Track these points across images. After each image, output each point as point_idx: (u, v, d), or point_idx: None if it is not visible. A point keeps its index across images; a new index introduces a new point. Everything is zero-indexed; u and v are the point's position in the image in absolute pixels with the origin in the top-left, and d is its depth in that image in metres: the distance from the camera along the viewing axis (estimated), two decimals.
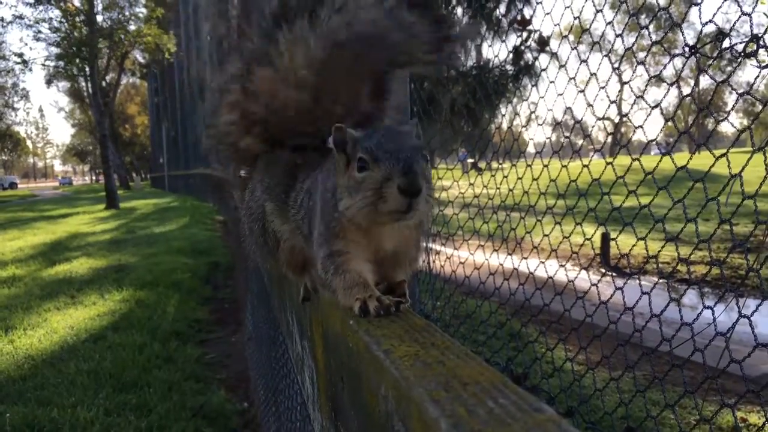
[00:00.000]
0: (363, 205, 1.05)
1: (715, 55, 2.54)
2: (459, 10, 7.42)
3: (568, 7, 2.42)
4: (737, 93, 1.89)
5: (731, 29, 2.40)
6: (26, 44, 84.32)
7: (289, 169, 1.42)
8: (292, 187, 1.38)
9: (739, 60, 2.57)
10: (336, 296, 1.15)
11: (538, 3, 2.93)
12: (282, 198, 1.39)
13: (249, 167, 1.62)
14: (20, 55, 30.96)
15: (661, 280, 7.58)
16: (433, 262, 4.09)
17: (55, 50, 30.32)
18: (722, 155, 1.87)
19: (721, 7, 1.95)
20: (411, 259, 1.27)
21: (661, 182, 2.15)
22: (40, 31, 28.52)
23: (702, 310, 2.01)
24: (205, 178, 20.56)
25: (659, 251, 2.57)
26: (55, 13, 28.24)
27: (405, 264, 1.25)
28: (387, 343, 0.83)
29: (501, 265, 3.20)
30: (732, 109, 2.37)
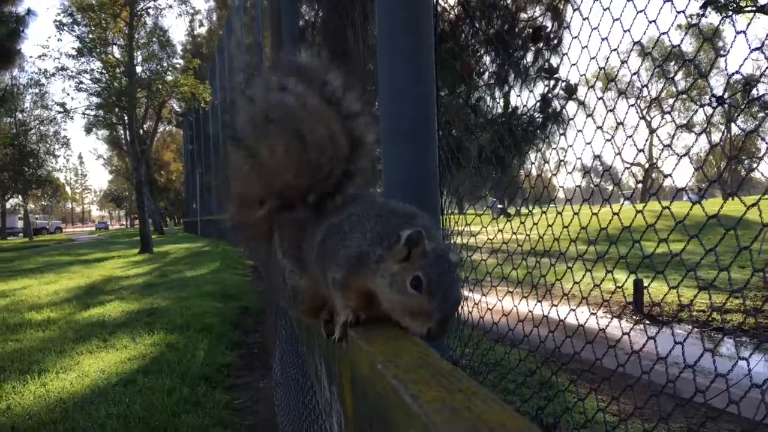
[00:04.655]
0: (397, 306, 1.23)
1: (743, 105, 2.54)
2: (487, 59, 7.54)
3: (593, 58, 2.46)
4: (766, 142, 1.89)
5: (760, 78, 2.41)
6: (68, 94, 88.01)
7: (299, 224, 1.54)
8: (307, 238, 1.50)
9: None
10: (335, 297, 1.38)
11: (564, 54, 2.98)
12: (298, 250, 1.52)
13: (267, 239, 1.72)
14: (62, 105, 32.24)
15: (695, 329, 7.39)
16: (462, 307, 4.07)
17: (95, 100, 31.50)
18: (753, 204, 1.86)
19: (747, 58, 1.97)
20: None
21: (693, 229, 2.13)
22: (81, 82, 29.69)
23: (737, 361, 1.97)
24: None
25: (693, 299, 2.53)
26: (96, 64, 29.44)
27: None
28: (415, 388, 0.84)
29: (530, 311, 3.17)
30: (763, 157, 2.35)
